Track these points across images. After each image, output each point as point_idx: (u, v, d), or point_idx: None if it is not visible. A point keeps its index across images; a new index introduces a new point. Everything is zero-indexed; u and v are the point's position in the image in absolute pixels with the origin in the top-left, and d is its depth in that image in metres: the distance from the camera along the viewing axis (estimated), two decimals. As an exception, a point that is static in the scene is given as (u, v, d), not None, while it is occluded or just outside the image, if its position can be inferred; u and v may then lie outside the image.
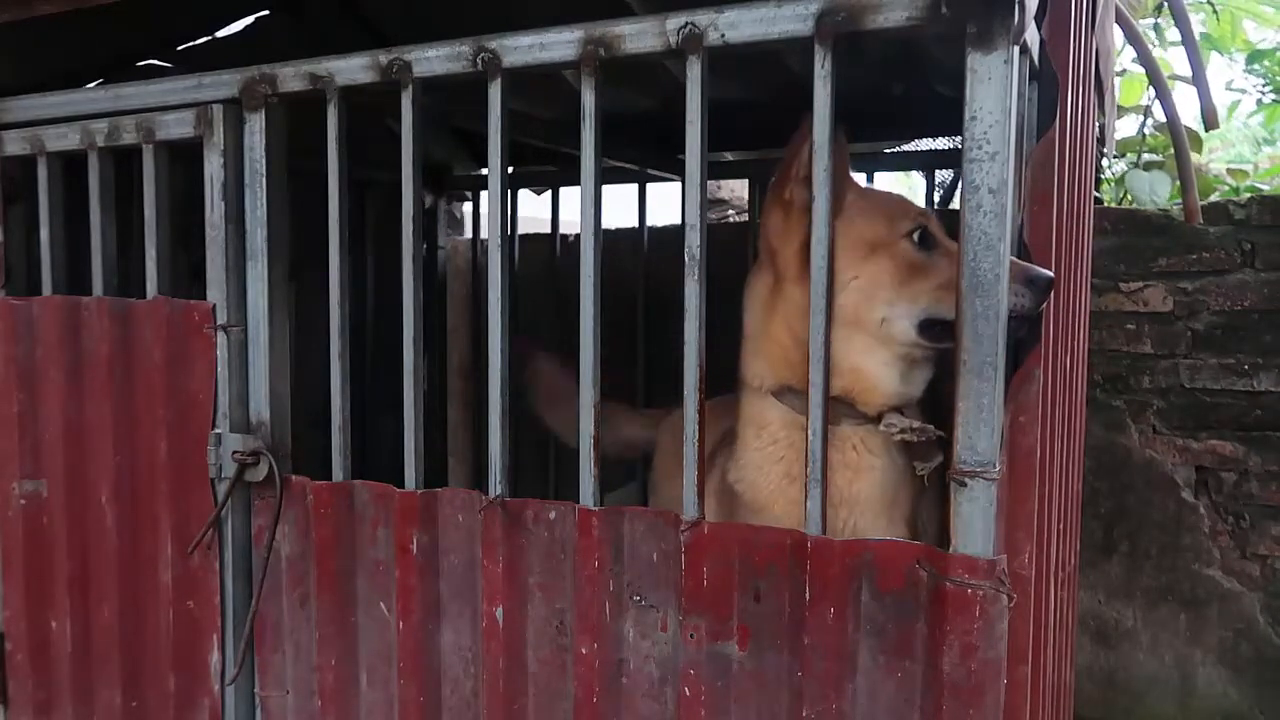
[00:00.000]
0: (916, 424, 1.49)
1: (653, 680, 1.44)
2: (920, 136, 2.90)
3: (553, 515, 1.51)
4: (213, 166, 1.73)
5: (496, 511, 1.54)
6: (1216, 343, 2.59)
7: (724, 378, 1.75)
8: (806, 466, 1.34)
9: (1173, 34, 3.61)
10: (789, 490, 1.55)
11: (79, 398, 1.94)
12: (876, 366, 1.51)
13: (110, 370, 1.89)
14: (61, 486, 1.98)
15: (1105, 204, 3.09)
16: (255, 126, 1.70)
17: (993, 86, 1.18)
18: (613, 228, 2.91)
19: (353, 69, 1.61)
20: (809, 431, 1.33)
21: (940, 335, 1.45)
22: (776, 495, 1.58)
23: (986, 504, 1.21)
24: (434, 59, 1.54)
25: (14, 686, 2.08)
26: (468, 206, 3.54)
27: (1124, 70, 3.50)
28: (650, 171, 3.00)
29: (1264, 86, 4.57)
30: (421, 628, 1.62)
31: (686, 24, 1.35)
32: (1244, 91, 4.72)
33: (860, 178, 2.79)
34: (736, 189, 4.34)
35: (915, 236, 1.49)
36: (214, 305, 1.75)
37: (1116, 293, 2.68)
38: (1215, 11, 4.16)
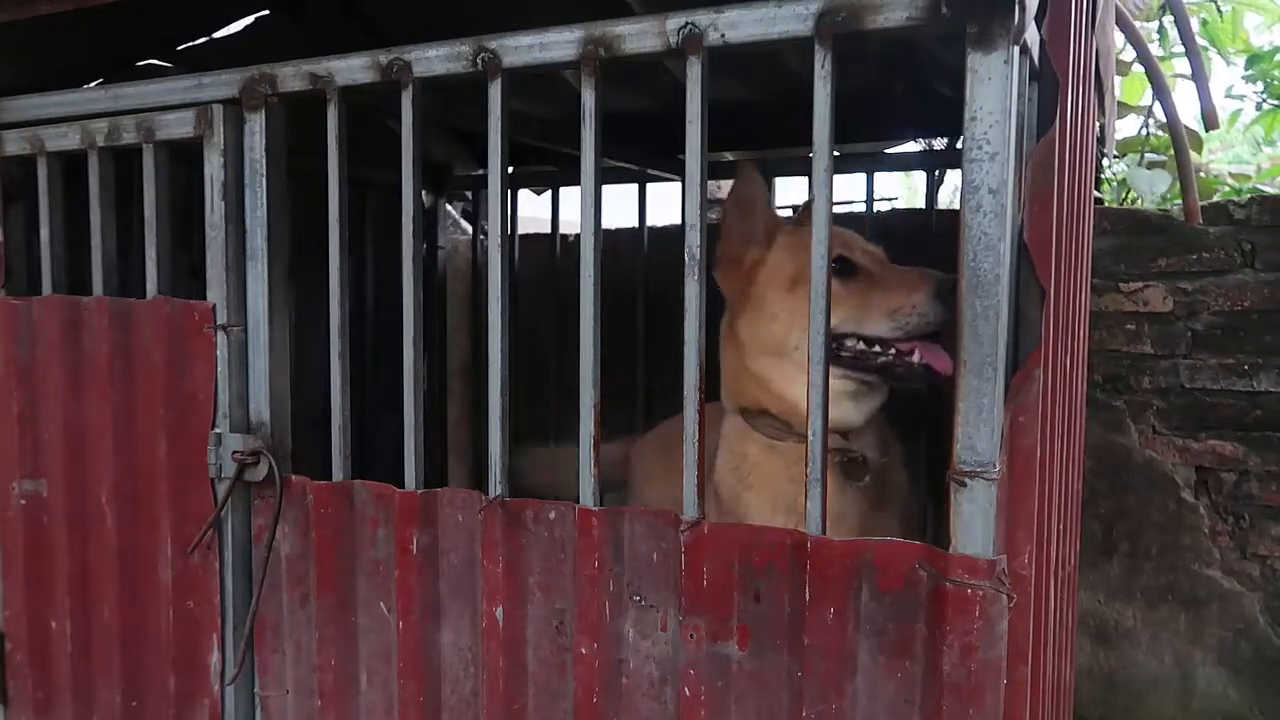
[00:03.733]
0: (841, 445, 1.63)
1: (653, 680, 1.44)
2: (920, 136, 2.90)
3: (552, 515, 1.51)
4: (213, 166, 1.73)
5: (496, 511, 1.54)
6: (1216, 343, 2.59)
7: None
8: (806, 467, 1.34)
9: (1175, 34, 3.59)
10: (737, 489, 1.75)
11: (79, 398, 1.94)
12: (801, 393, 1.50)
13: (110, 370, 1.89)
14: (61, 486, 1.98)
15: (1105, 204, 3.09)
16: (255, 126, 1.70)
17: (993, 86, 1.18)
18: (613, 228, 2.92)
19: (353, 69, 1.61)
20: (809, 431, 1.33)
21: (858, 361, 1.54)
22: (735, 492, 1.75)
23: (986, 504, 1.21)
24: (434, 59, 1.54)
25: (14, 686, 2.08)
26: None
27: (1132, 62, 3.47)
28: (650, 171, 3.00)
29: (1262, 92, 4.54)
30: (421, 627, 1.62)
31: (686, 24, 1.35)
32: (1243, 98, 4.70)
33: (860, 178, 2.80)
34: (736, 189, 4.33)
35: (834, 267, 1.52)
36: (214, 305, 1.75)
37: (1116, 293, 2.67)
38: (1219, 9, 4.14)
